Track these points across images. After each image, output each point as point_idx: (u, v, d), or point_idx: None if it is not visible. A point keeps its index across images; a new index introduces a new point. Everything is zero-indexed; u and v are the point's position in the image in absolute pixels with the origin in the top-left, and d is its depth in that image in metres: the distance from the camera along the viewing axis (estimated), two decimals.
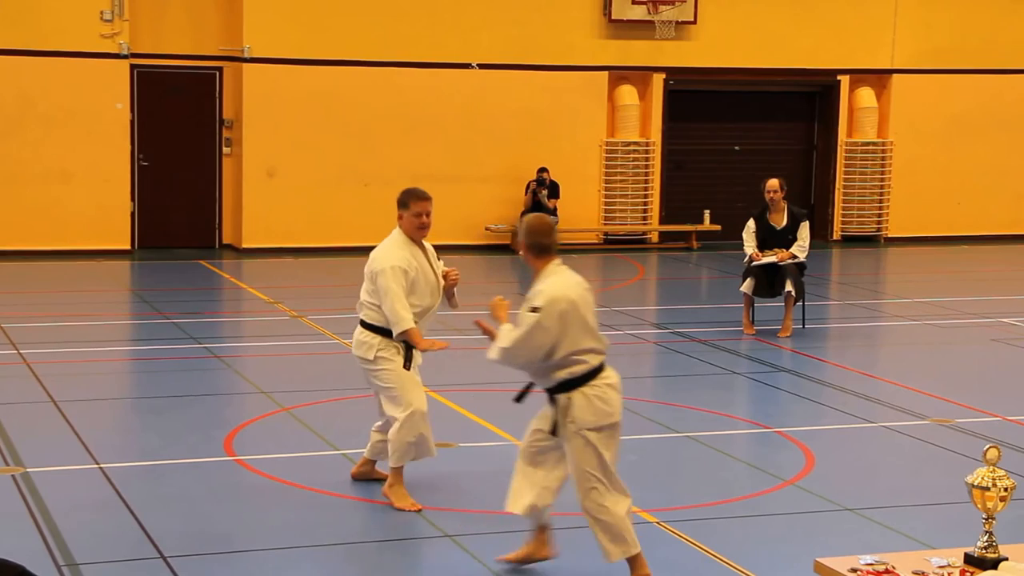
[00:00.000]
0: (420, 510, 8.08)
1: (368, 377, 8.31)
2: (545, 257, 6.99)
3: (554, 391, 6.94)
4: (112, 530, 7.75)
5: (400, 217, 8.31)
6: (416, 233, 8.29)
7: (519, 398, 7.26)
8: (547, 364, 6.88)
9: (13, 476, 8.69)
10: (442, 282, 8.40)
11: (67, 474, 8.90)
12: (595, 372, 6.93)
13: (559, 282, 6.93)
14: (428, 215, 8.27)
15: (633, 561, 6.95)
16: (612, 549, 6.92)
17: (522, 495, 7.15)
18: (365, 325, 8.26)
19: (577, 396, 6.85)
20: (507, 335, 6.93)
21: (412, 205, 8.27)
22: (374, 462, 8.68)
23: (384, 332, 8.18)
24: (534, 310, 6.83)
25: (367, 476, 8.72)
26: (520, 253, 7.16)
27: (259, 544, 7.62)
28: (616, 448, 6.96)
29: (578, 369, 6.88)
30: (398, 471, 8.21)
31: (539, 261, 7.00)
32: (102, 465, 9.00)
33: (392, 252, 8.20)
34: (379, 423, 8.54)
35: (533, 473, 7.15)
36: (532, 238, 7.00)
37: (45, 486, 8.50)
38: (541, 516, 7.18)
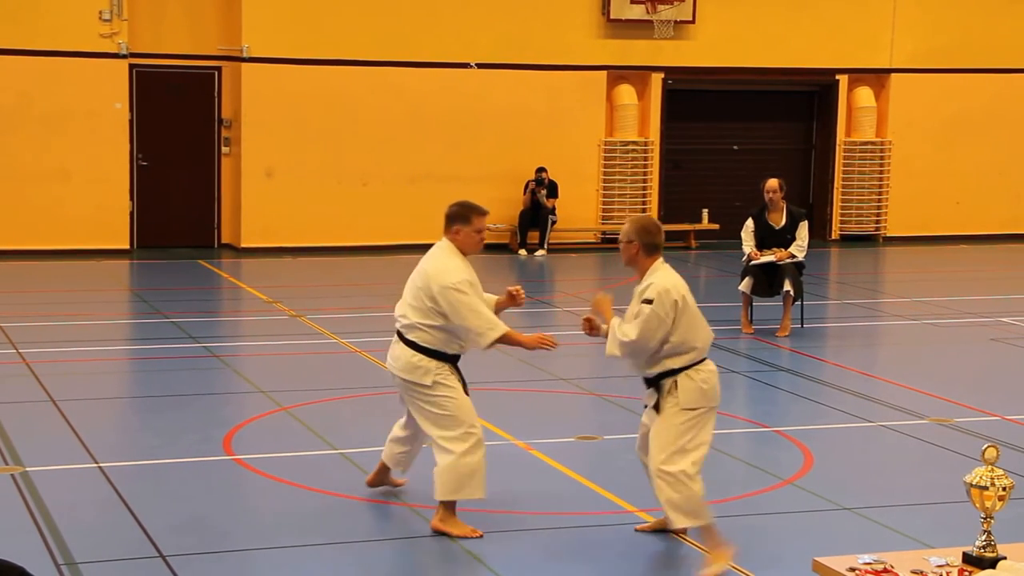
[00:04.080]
0: (481, 536, 7.70)
1: (416, 401, 7.78)
2: (654, 256, 7.41)
3: (658, 378, 7.36)
4: (111, 529, 7.76)
5: (456, 231, 7.82)
6: (474, 249, 7.86)
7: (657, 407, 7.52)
8: (657, 354, 7.28)
9: (12, 475, 8.70)
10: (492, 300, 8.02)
11: (66, 473, 8.90)
12: (699, 361, 7.37)
13: (668, 276, 7.37)
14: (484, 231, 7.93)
15: (708, 540, 7.37)
16: (672, 515, 7.35)
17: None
18: (417, 347, 7.74)
19: (682, 378, 7.30)
20: (628, 329, 7.25)
21: (475, 220, 7.83)
22: (390, 468, 8.38)
23: (440, 356, 7.76)
24: (648, 302, 7.22)
25: (383, 483, 8.43)
26: (621, 249, 7.45)
27: (258, 543, 7.63)
28: (712, 432, 7.42)
29: (686, 358, 7.31)
30: (449, 504, 7.75)
31: (648, 260, 7.40)
32: (101, 464, 9.01)
33: (457, 266, 7.73)
34: (401, 434, 8.16)
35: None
36: (648, 237, 7.39)
37: (44, 485, 8.51)
38: None
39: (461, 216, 7.88)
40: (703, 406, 7.32)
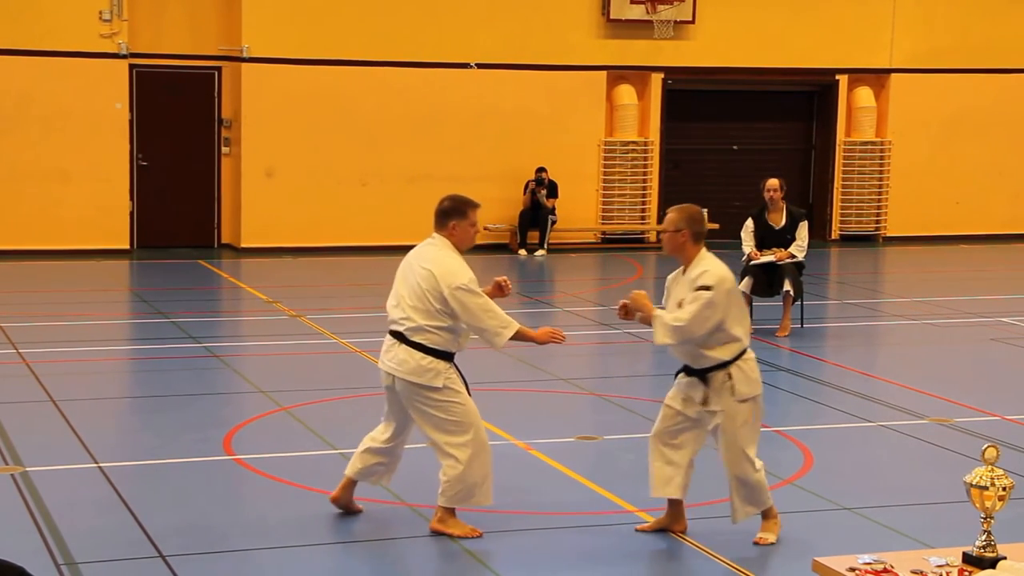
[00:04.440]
0: (481, 535, 7.69)
1: (422, 406, 7.62)
2: (700, 243, 7.59)
3: (708, 370, 7.50)
4: (111, 529, 7.76)
5: (453, 227, 7.69)
6: (469, 244, 7.75)
7: (705, 401, 7.63)
8: (706, 343, 7.42)
9: (12, 475, 8.70)
10: None
11: (66, 473, 8.91)
12: (744, 351, 7.55)
13: (719, 264, 7.55)
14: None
15: (765, 513, 7.68)
16: (742, 509, 7.61)
17: (671, 479, 7.73)
18: (424, 349, 7.58)
19: (734, 370, 7.48)
20: (681, 313, 7.38)
21: (470, 214, 7.71)
22: (355, 484, 8.04)
23: (447, 356, 7.63)
24: (706, 288, 7.36)
25: (348, 502, 8.05)
26: (667, 238, 7.58)
27: (258, 543, 7.63)
28: (761, 418, 7.65)
29: (734, 348, 7.49)
30: (450, 509, 7.71)
31: (695, 248, 7.56)
32: (101, 464, 9.01)
33: (462, 264, 7.60)
34: (381, 444, 7.92)
35: (674, 454, 7.73)
36: (696, 226, 7.57)
37: (44, 485, 8.51)
38: (685, 493, 7.79)
39: (457, 211, 7.76)
40: (755, 394, 7.56)
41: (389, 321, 7.79)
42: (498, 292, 7.94)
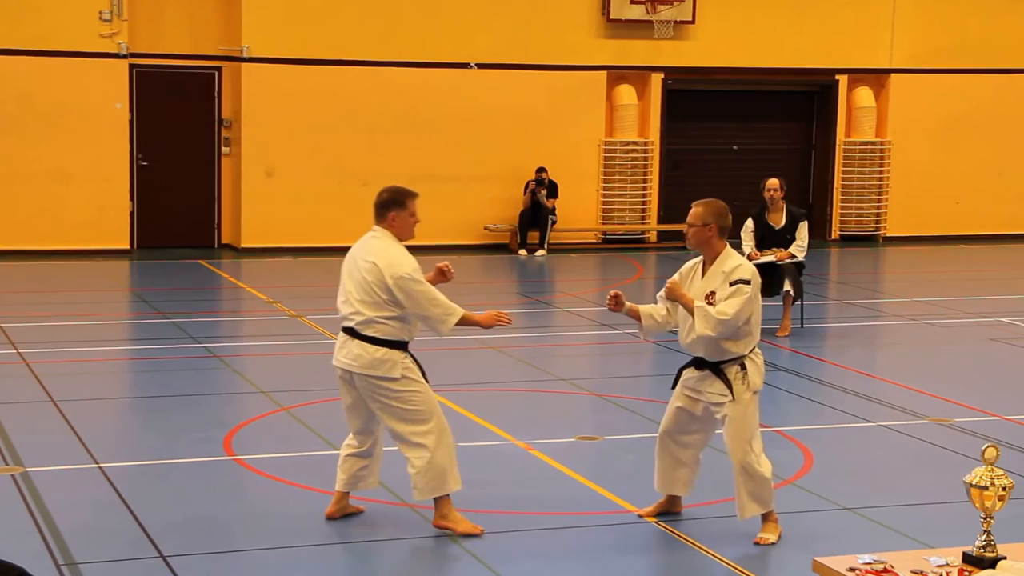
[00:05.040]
0: (483, 531, 7.71)
1: (381, 398, 7.62)
2: (725, 238, 7.68)
3: (723, 363, 7.61)
4: (111, 529, 7.76)
5: (392, 219, 7.75)
6: (410, 235, 7.77)
7: (675, 385, 7.89)
8: (731, 337, 7.54)
9: (13, 476, 8.70)
10: None
11: (66, 473, 8.91)
12: (756, 345, 7.73)
13: (745, 260, 7.72)
14: None
15: (766, 516, 7.71)
16: (748, 505, 7.64)
17: (678, 477, 7.93)
18: (378, 342, 7.57)
19: (748, 363, 7.63)
20: (725, 307, 7.46)
21: (410, 204, 7.76)
22: (348, 494, 8.02)
23: (401, 345, 7.61)
24: (745, 282, 7.51)
25: (344, 512, 8.01)
26: (694, 233, 7.64)
27: (258, 543, 7.63)
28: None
29: (751, 341, 7.64)
30: (446, 499, 7.71)
31: (721, 243, 7.66)
32: (101, 464, 9.01)
33: (405, 254, 7.62)
34: (356, 448, 7.89)
35: (682, 453, 7.90)
36: (723, 220, 7.66)
37: (44, 486, 8.51)
38: (690, 491, 8.01)
39: (396, 202, 7.77)
40: (761, 386, 7.71)
41: (340, 318, 7.80)
42: (440, 278, 7.92)
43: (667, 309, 7.88)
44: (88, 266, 18.91)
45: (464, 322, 7.70)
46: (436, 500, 7.75)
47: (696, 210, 7.71)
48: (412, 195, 7.83)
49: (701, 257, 7.78)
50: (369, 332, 7.60)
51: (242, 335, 14.80)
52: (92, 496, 8.40)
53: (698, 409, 7.79)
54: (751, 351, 7.66)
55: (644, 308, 7.93)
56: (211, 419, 10.47)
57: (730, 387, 7.60)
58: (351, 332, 7.69)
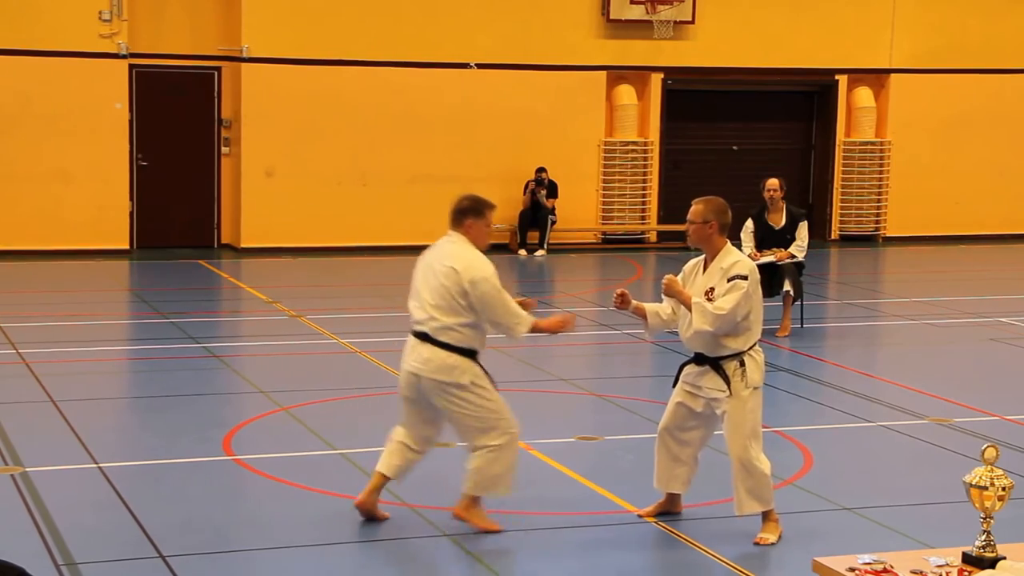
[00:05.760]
0: (501, 530, 7.74)
1: (450, 402, 7.64)
2: (725, 235, 7.78)
3: (722, 359, 7.65)
4: (111, 529, 7.76)
5: (469, 226, 7.73)
6: (485, 243, 7.78)
7: (676, 383, 7.93)
8: (730, 332, 7.59)
9: (12, 476, 8.70)
10: None
11: (66, 474, 8.91)
12: (756, 342, 7.77)
13: (744, 256, 7.82)
14: None
15: (766, 515, 7.72)
16: (746, 502, 7.67)
17: (676, 475, 7.97)
18: (449, 347, 7.60)
19: (747, 359, 7.66)
20: (722, 302, 7.53)
21: (487, 214, 7.79)
22: (387, 480, 7.96)
23: (472, 353, 7.65)
24: (741, 278, 7.58)
25: (372, 507, 7.93)
26: (695, 230, 7.71)
27: (258, 543, 7.63)
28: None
29: (750, 337, 7.68)
30: (477, 499, 7.78)
31: (722, 239, 7.75)
32: (101, 465, 9.01)
33: (483, 259, 7.65)
34: (412, 445, 7.88)
35: (681, 451, 7.95)
36: (723, 217, 7.74)
37: (44, 486, 8.51)
38: (687, 488, 8.05)
39: (474, 210, 7.79)
40: (761, 383, 7.74)
41: (412, 322, 7.78)
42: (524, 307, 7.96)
43: (672, 307, 7.90)
44: (88, 266, 18.91)
45: (534, 329, 7.81)
46: (470, 496, 7.79)
47: (696, 207, 7.76)
48: (491, 206, 7.91)
49: (703, 255, 7.81)
50: (442, 338, 7.62)
51: (242, 335, 14.80)
52: (92, 496, 8.40)
53: (698, 405, 7.81)
54: (751, 348, 7.68)
55: (649, 306, 7.96)
56: (210, 419, 10.47)
57: (728, 383, 7.62)
58: (423, 336, 7.68)
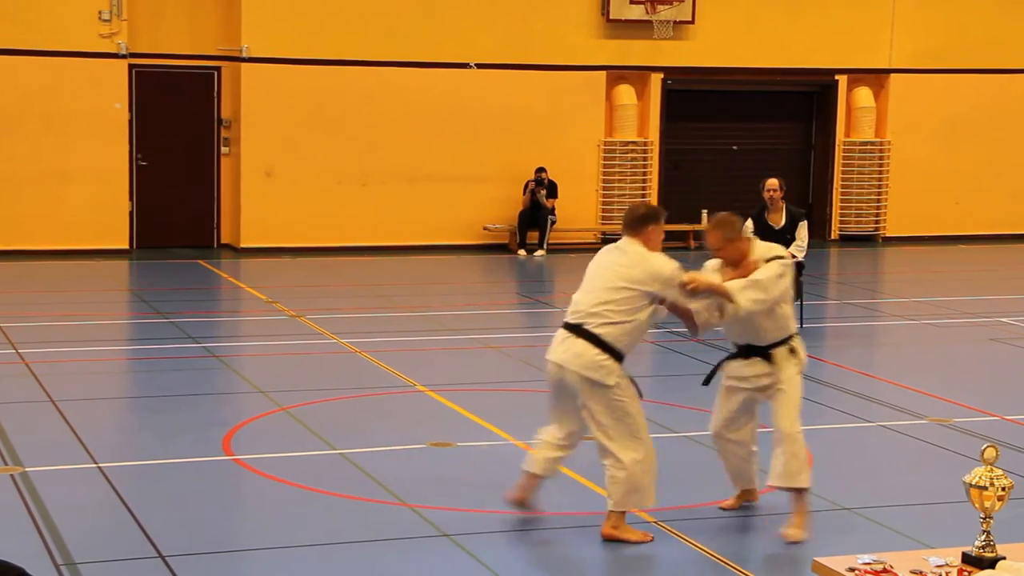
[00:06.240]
0: (652, 539, 7.75)
1: (594, 401, 7.67)
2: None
3: (770, 347, 7.93)
4: (110, 529, 7.76)
5: (649, 232, 7.85)
6: (658, 249, 7.88)
7: (707, 381, 8.22)
8: (770, 321, 7.85)
9: (12, 476, 8.70)
10: None
11: (66, 473, 8.90)
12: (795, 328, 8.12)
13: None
14: None
15: (798, 494, 7.85)
16: (783, 476, 7.81)
17: (744, 471, 8.21)
18: (601, 343, 7.65)
19: (796, 341, 8.00)
20: (756, 277, 7.74)
21: (663, 220, 7.99)
22: (540, 478, 8.04)
23: (619, 356, 7.69)
24: (777, 257, 7.87)
25: (527, 501, 8.02)
26: (731, 250, 7.92)
27: (257, 543, 7.63)
28: None
29: (790, 327, 8.00)
30: (622, 512, 7.73)
31: (747, 242, 8.04)
32: (101, 464, 9.01)
33: (664, 257, 7.81)
34: (559, 439, 7.96)
35: (740, 450, 8.16)
36: (739, 226, 8.06)
37: (44, 486, 8.51)
38: (756, 480, 8.28)
39: (654, 216, 7.96)
40: (805, 363, 8.07)
41: (570, 313, 7.85)
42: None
43: (711, 303, 7.97)
44: (87, 266, 18.91)
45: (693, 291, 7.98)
46: (616, 512, 7.75)
47: (716, 234, 7.94)
48: (665, 213, 8.14)
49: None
50: (597, 328, 7.67)
51: (241, 335, 14.79)
52: (91, 496, 8.39)
53: (742, 398, 8.05)
54: (794, 335, 7.99)
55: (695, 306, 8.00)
56: (210, 419, 10.47)
57: (781, 368, 7.91)
58: (576, 329, 7.76)
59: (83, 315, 15.00)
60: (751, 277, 7.75)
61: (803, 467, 7.84)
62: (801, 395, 7.97)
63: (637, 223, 7.91)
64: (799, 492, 7.82)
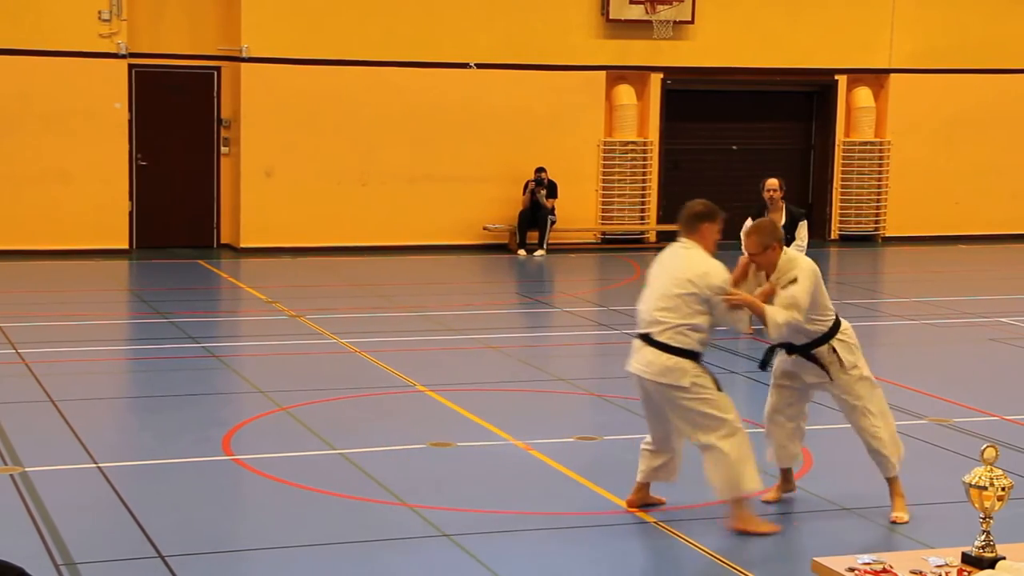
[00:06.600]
0: (780, 530, 7.89)
1: (674, 405, 7.81)
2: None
3: (810, 346, 8.02)
4: (110, 529, 7.76)
5: (704, 230, 7.92)
6: (715, 247, 7.97)
7: (764, 364, 8.31)
8: (807, 320, 7.89)
9: (12, 476, 8.70)
10: None
11: (65, 473, 8.90)
12: (837, 326, 8.10)
13: (802, 256, 8.18)
14: None
15: (892, 480, 8.16)
16: (889, 464, 8.14)
17: (791, 450, 8.39)
18: (668, 348, 7.75)
19: (836, 344, 8.03)
20: (791, 293, 7.79)
21: (719, 219, 8.02)
22: (648, 485, 8.23)
23: (693, 355, 7.78)
24: (794, 280, 7.87)
25: (644, 502, 8.22)
26: (767, 256, 7.92)
27: (257, 543, 7.63)
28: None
29: (827, 323, 8.02)
30: (741, 502, 7.85)
31: (782, 250, 8.04)
32: (100, 464, 9.01)
33: (718, 265, 7.84)
34: (652, 447, 8.14)
35: (791, 426, 8.34)
36: (780, 233, 8.13)
37: (43, 485, 8.51)
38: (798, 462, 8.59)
39: (709, 215, 7.97)
40: (861, 365, 8.12)
41: (639, 322, 7.94)
42: (742, 277, 8.11)
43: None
44: (87, 266, 18.91)
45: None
46: (731, 503, 7.85)
47: (755, 239, 7.93)
48: (721, 212, 8.11)
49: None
50: (664, 339, 7.77)
51: (241, 335, 14.79)
52: (91, 496, 8.40)
53: (791, 394, 8.25)
54: (836, 329, 8.03)
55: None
56: (210, 419, 10.46)
57: (827, 371, 8.01)
58: (646, 339, 7.84)
59: (83, 315, 15.01)
60: (788, 300, 7.76)
61: (895, 450, 8.14)
62: (862, 395, 8.09)
63: (691, 221, 7.97)
64: (892, 480, 8.17)
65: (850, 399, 8.11)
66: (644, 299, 7.97)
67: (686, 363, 7.74)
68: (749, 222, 14.28)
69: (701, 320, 7.78)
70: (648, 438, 8.18)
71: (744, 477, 7.79)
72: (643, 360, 7.83)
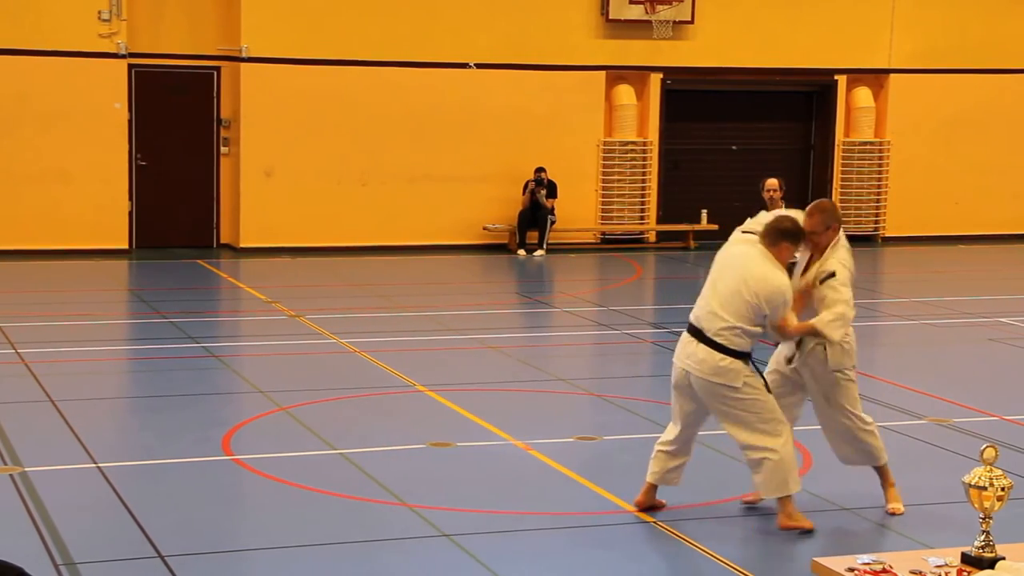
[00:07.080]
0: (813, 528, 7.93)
1: (722, 404, 7.80)
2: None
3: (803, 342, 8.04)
4: (110, 529, 7.76)
5: (783, 248, 7.91)
6: (784, 265, 7.94)
7: (791, 360, 8.18)
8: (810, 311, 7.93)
9: (11, 476, 8.70)
10: None
11: (65, 473, 8.90)
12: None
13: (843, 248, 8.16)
14: None
15: (883, 469, 8.27)
16: (877, 450, 8.22)
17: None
18: (724, 350, 7.73)
19: (827, 344, 7.98)
20: (838, 302, 7.85)
21: (801, 243, 8.03)
22: (656, 488, 8.17)
23: (744, 356, 7.78)
24: (830, 275, 7.91)
25: (650, 504, 8.16)
26: (823, 236, 7.99)
27: (257, 543, 7.63)
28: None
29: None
30: (788, 500, 7.89)
31: (835, 235, 8.08)
32: (100, 464, 9.01)
33: (784, 278, 7.84)
34: (671, 447, 8.08)
35: (786, 413, 8.14)
36: (839, 214, 8.22)
37: (43, 485, 8.51)
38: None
39: (794, 235, 7.93)
40: (845, 366, 8.09)
41: (693, 317, 7.89)
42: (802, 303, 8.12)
43: None
44: (87, 266, 18.91)
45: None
46: (779, 501, 7.88)
47: (815, 218, 8.00)
48: (805, 237, 8.05)
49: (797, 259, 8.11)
50: (720, 340, 7.74)
51: (241, 335, 14.79)
52: (91, 496, 8.39)
53: (786, 371, 8.19)
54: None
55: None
56: (210, 419, 10.46)
57: (799, 349, 8.04)
58: (699, 334, 7.81)
59: (83, 315, 15.01)
60: (836, 311, 7.84)
61: (870, 451, 8.23)
62: (847, 399, 8.12)
63: (776, 236, 7.91)
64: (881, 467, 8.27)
65: (828, 394, 8.14)
66: (705, 294, 7.89)
67: (739, 364, 7.74)
68: (763, 214, 14.33)
69: (757, 328, 7.81)
70: (668, 437, 8.09)
71: (791, 478, 7.84)
72: (695, 357, 7.78)
